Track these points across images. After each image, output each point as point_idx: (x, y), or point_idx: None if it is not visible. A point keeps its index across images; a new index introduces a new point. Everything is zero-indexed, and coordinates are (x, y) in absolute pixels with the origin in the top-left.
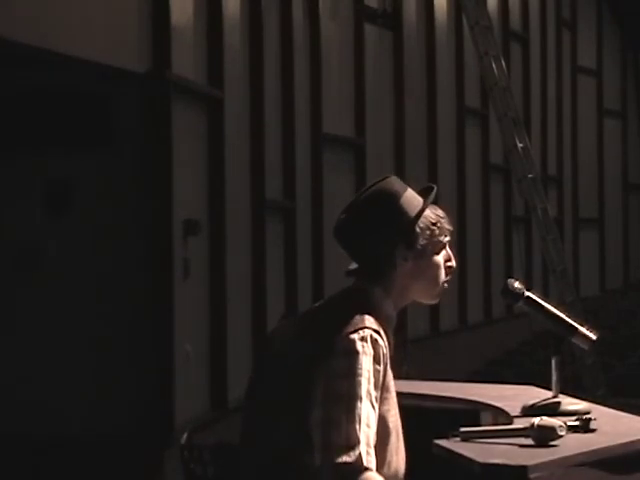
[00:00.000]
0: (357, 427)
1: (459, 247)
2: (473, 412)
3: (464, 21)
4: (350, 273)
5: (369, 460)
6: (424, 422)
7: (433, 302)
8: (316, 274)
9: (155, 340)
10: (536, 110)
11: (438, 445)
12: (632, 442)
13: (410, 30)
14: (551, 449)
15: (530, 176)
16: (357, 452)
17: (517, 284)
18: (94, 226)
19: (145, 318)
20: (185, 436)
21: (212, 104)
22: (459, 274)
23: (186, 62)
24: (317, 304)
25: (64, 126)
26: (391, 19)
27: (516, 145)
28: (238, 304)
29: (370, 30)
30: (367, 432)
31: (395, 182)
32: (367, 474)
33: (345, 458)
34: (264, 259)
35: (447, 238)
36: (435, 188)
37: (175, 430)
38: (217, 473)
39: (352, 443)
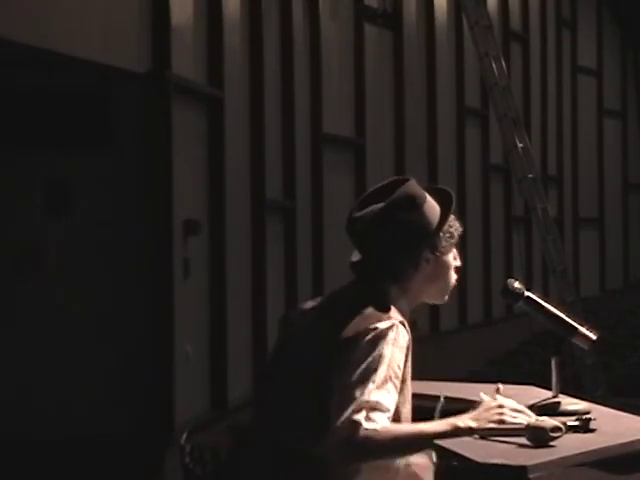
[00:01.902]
0: (367, 403)
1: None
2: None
3: (464, 21)
4: (357, 268)
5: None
6: (423, 422)
7: (442, 302)
8: (316, 274)
9: (155, 340)
10: (536, 110)
11: (438, 445)
12: (632, 442)
13: (410, 30)
14: (551, 449)
15: (530, 176)
16: (359, 431)
17: (517, 284)
18: (94, 226)
19: (145, 318)
20: (185, 436)
21: (212, 104)
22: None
23: (186, 62)
24: (330, 296)
25: (64, 126)
26: (391, 19)
27: (516, 145)
28: (238, 304)
29: (370, 30)
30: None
31: (416, 186)
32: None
33: (347, 437)
34: (264, 259)
35: (456, 239)
36: (454, 196)
37: (175, 430)
38: (218, 472)
39: (357, 413)
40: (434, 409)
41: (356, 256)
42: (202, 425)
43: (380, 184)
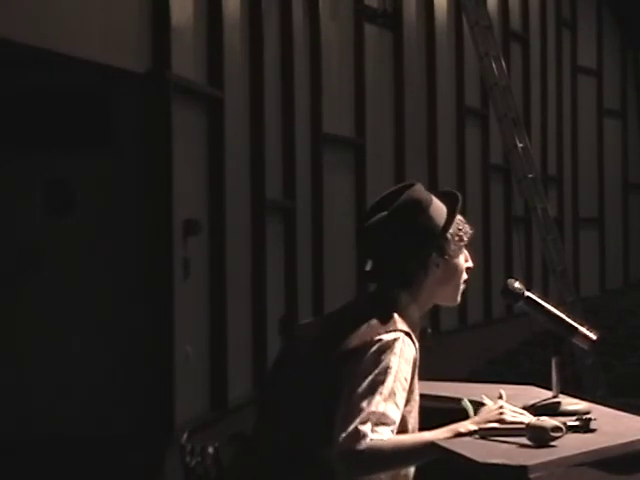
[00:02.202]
0: (374, 415)
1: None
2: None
3: (464, 21)
4: (370, 276)
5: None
6: (424, 422)
7: (454, 304)
8: (316, 274)
9: (155, 340)
10: (536, 110)
11: (438, 445)
12: (632, 442)
13: (410, 30)
14: (551, 449)
15: (530, 176)
16: (365, 442)
17: (517, 284)
18: (94, 226)
19: (145, 318)
20: (185, 436)
21: (212, 104)
22: None
23: (186, 62)
24: (341, 307)
25: (64, 126)
26: (391, 19)
27: (516, 145)
28: (238, 304)
29: (370, 30)
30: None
31: (422, 190)
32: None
33: (352, 447)
34: (264, 259)
35: (465, 242)
36: (460, 197)
37: (175, 430)
38: (218, 472)
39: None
40: (433, 409)
41: (369, 266)
42: (202, 425)
43: (386, 191)
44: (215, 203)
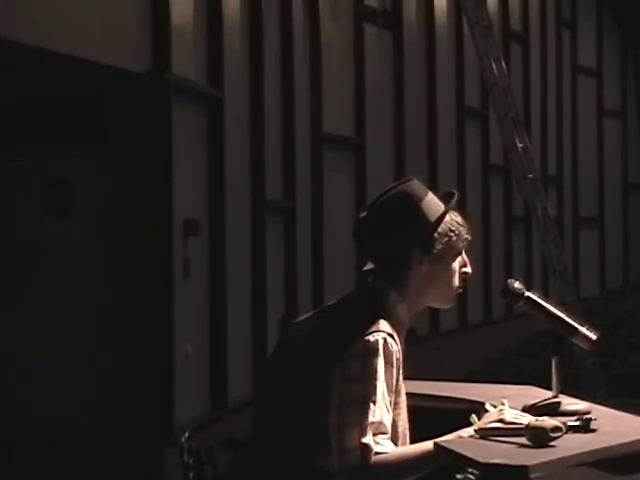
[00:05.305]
0: (372, 425)
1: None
2: (473, 412)
3: (464, 21)
4: (366, 273)
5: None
6: (424, 422)
7: (447, 307)
8: (316, 274)
9: (155, 340)
10: (536, 110)
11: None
12: (632, 442)
13: (410, 30)
14: (551, 449)
15: (530, 176)
16: (370, 456)
17: (517, 284)
18: (94, 226)
19: (145, 318)
20: (185, 436)
21: (212, 104)
22: None
23: (186, 62)
24: (332, 303)
25: (64, 126)
26: (391, 19)
27: (516, 145)
28: (238, 304)
29: (370, 30)
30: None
31: (416, 185)
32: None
33: (358, 462)
34: (264, 259)
35: (464, 244)
36: (456, 194)
37: (175, 430)
38: (218, 472)
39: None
40: (433, 409)
41: (369, 265)
42: (202, 425)
43: (388, 187)
44: (215, 203)
